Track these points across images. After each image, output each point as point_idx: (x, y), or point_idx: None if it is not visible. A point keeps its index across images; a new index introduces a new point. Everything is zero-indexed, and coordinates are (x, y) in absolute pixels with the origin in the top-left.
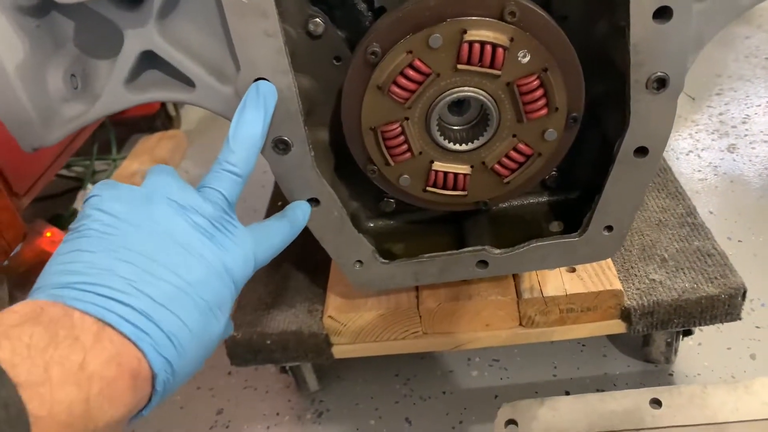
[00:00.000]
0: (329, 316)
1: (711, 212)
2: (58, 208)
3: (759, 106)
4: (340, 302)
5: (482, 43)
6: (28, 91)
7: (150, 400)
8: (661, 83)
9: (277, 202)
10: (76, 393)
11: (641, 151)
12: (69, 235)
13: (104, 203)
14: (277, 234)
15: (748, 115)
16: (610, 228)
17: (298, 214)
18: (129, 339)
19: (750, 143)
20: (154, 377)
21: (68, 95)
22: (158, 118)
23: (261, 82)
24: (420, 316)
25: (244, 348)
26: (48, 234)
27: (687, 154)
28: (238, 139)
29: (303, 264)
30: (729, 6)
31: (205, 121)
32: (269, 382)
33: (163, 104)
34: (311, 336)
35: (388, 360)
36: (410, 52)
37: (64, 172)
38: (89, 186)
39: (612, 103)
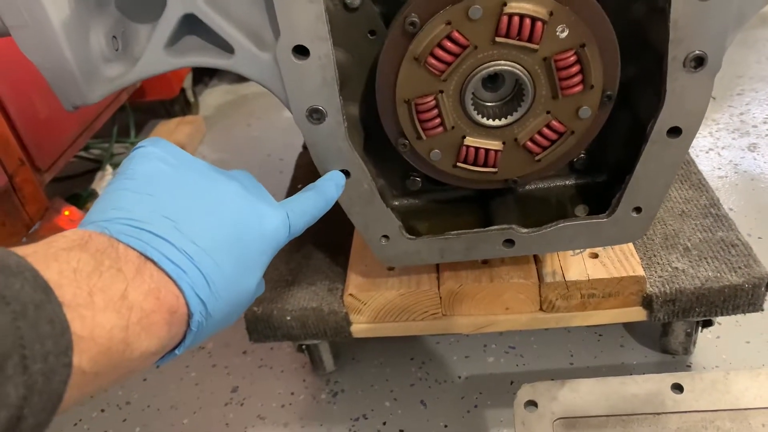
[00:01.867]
0: (350, 294)
1: (731, 209)
2: (77, 188)
3: None
4: (360, 281)
5: (521, 16)
6: (73, 48)
7: (183, 339)
8: (699, 62)
9: (297, 185)
10: (117, 319)
11: (675, 131)
12: (116, 177)
13: (153, 152)
14: (311, 204)
15: None
16: (638, 209)
17: (331, 185)
18: (169, 276)
19: None
20: (189, 316)
21: (110, 56)
22: (177, 104)
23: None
24: (440, 297)
25: (263, 323)
26: (66, 213)
27: (707, 152)
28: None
29: (323, 244)
30: None
31: (224, 107)
32: (284, 361)
33: (182, 90)
34: (331, 313)
35: (403, 343)
36: (449, 23)
37: (83, 153)
38: (108, 167)
39: (645, 83)
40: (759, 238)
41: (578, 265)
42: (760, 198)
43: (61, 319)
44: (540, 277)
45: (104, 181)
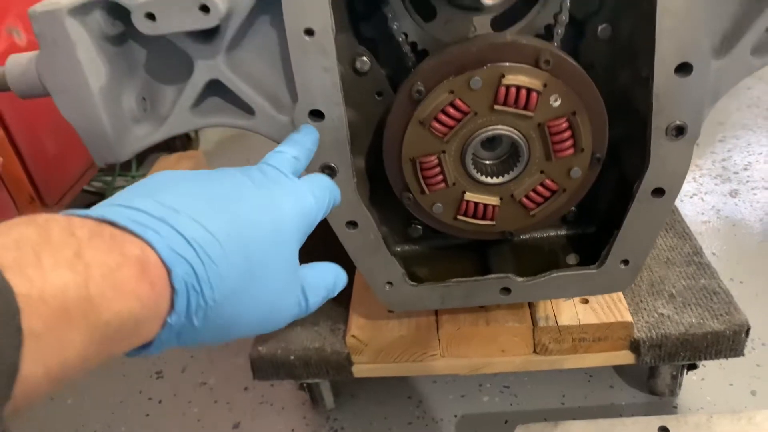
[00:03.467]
0: (352, 335)
1: (714, 254)
2: None
3: (760, 154)
4: (362, 322)
5: (518, 87)
6: (107, 110)
7: (173, 305)
8: (680, 131)
9: None
10: (72, 276)
11: (658, 192)
12: None
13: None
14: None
15: (749, 162)
16: (626, 261)
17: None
18: (132, 232)
19: (751, 189)
20: (169, 274)
21: (139, 116)
22: (178, 138)
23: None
24: (439, 340)
25: (268, 362)
26: None
27: (691, 197)
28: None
29: None
30: (743, 65)
31: (224, 142)
32: (285, 398)
33: None
34: (333, 354)
35: (401, 382)
36: (452, 91)
37: (85, 186)
38: None
39: (631, 145)
40: (740, 282)
41: (570, 310)
42: (741, 243)
43: (2, 283)
44: (534, 321)
45: None
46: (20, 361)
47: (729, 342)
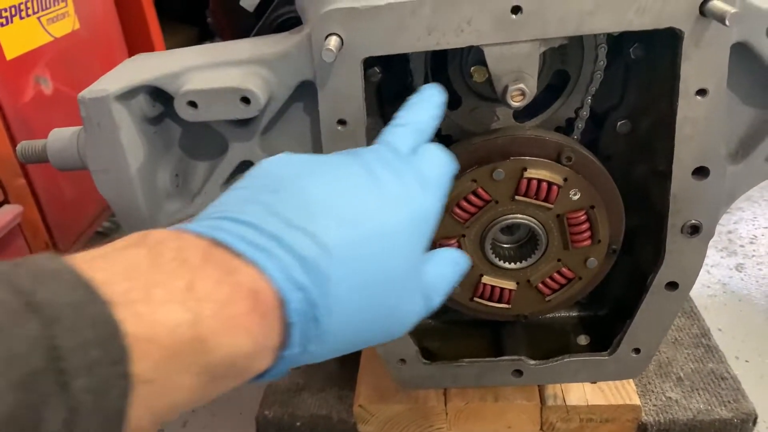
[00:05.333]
0: (359, 405)
1: (720, 329)
2: None
3: (766, 228)
4: (370, 392)
5: (539, 181)
6: (144, 189)
7: (287, 338)
8: (695, 230)
9: None
10: (183, 314)
11: (672, 285)
12: None
13: (263, 161)
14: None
15: (755, 236)
16: (638, 350)
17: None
18: (243, 255)
19: (757, 264)
20: (283, 304)
21: (171, 191)
22: None
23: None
24: (446, 414)
25: (274, 427)
26: None
27: None
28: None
29: None
30: (758, 170)
31: None
32: None
33: None
34: (340, 422)
35: None
36: (475, 180)
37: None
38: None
39: (646, 237)
40: (746, 361)
41: (578, 390)
42: (746, 320)
43: (108, 320)
44: (542, 399)
45: None
46: (127, 409)
47: (737, 430)
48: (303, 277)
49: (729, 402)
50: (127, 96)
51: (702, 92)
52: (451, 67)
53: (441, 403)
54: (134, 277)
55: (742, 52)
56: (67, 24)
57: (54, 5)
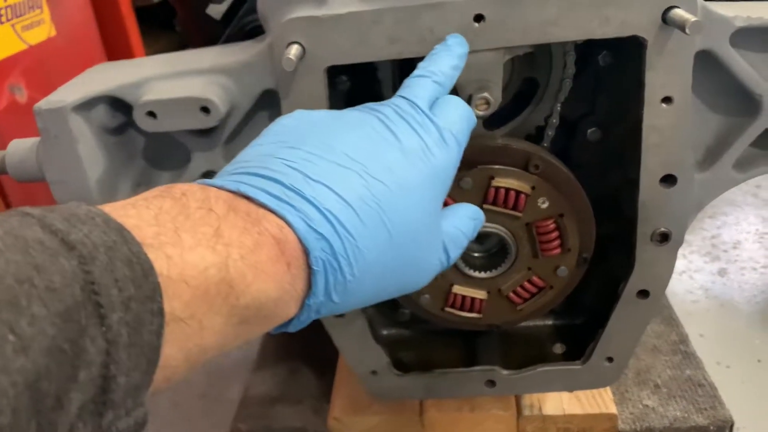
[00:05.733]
0: (334, 417)
1: (702, 335)
2: None
3: (749, 233)
4: (345, 404)
5: (507, 189)
6: (103, 200)
7: (312, 286)
8: (665, 237)
9: None
10: (212, 257)
11: (643, 293)
12: None
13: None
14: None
15: (738, 241)
16: (611, 359)
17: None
18: (268, 207)
19: (740, 269)
20: (307, 253)
21: None
22: None
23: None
24: (422, 425)
25: None
26: None
27: (680, 275)
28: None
29: (311, 358)
30: (726, 178)
31: None
32: None
33: None
34: None
35: None
36: None
37: None
38: None
39: (618, 245)
40: (727, 367)
41: (555, 399)
42: (728, 325)
43: (142, 260)
44: (518, 409)
45: None
46: (162, 345)
47: None
48: (325, 227)
49: (705, 409)
50: (85, 106)
51: (667, 100)
52: None
53: (416, 414)
54: (163, 223)
55: (706, 59)
56: (42, 31)
57: (29, 12)
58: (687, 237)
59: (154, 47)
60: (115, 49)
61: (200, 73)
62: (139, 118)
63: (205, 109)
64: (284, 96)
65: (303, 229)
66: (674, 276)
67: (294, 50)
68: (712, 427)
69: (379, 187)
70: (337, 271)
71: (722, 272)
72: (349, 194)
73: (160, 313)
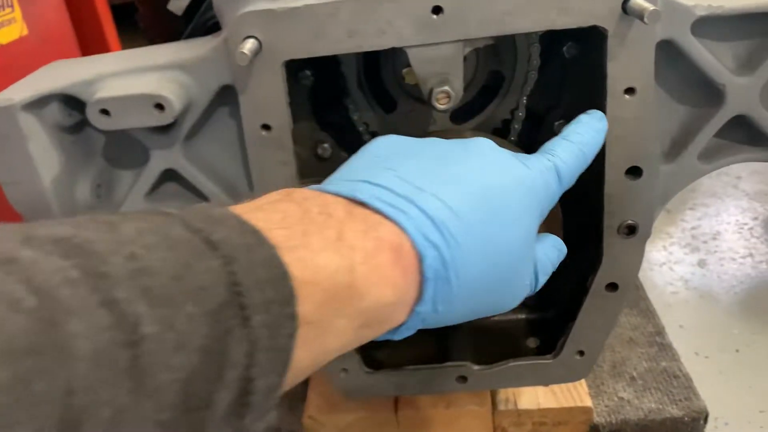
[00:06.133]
0: (309, 416)
1: (681, 326)
2: None
3: (729, 224)
4: (320, 402)
5: None
6: (59, 201)
7: (422, 293)
8: (631, 230)
9: None
10: (339, 260)
11: (612, 287)
12: None
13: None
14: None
15: (718, 232)
16: (582, 353)
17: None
18: (383, 214)
19: (719, 260)
20: (420, 260)
21: (92, 204)
22: None
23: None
24: (398, 422)
25: None
26: None
27: (660, 266)
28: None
29: None
30: (692, 169)
31: None
32: None
33: None
34: None
35: None
36: None
37: None
38: None
39: (588, 238)
40: (706, 357)
41: (530, 393)
42: (707, 316)
43: (278, 263)
44: (494, 404)
45: None
46: (293, 349)
47: (687, 429)
48: (436, 236)
49: (680, 400)
50: (36, 105)
51: (630, 91)
52: (384, 69)
53: (392, 412)
54: (290, 226)
55: (669, 49)
56: (14, 30)
57: None
58: (668, 229)
59: (133, 46)
60: (91, 49)
61: (155, 70)
62: (93, 116)
63: (160, 106)
64: (241, 91)
65: (418, 237)
66: (654, 267)
67: (249, 44)
68: (686, 418)
69: (487, 205)
70: (445, 280)
71: (702, 263)
72: (458, 206)
73: (294, 317)
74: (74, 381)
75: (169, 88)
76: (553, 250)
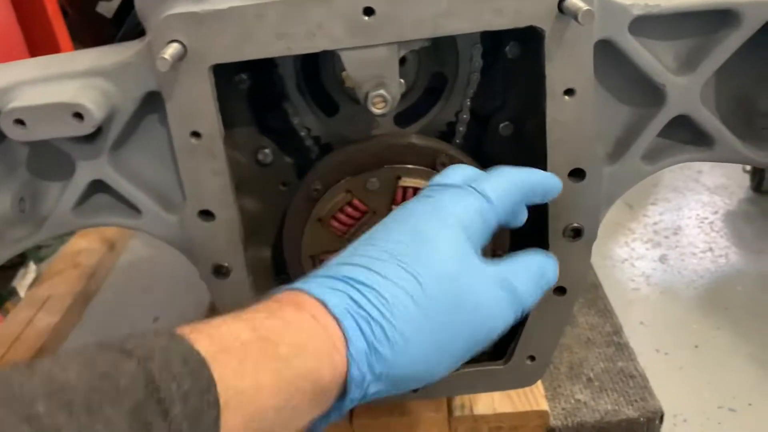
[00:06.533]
0: None
1: (642, 323)
2: None
3: (690, 218)
4: None
5: (415, 189)
6: None
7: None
8: (577, 233)
9: None
10: (240, 323)
11: (560, 290)
12: None
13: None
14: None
15: (679, 227)
16: (533, 358)
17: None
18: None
19: (680, 255)
20: (326, 306)
21: (14, 218)
22: None
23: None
24: (353, 430)
25: None
26: None
27: (622, 263)
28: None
29: None
30: (635, 170)
31: None
32: None
33: None
34: None
35: None
36: (349, 191)
37: None
38: (31, 264)
39: (533, 242)
40: (666, 354)
41: (487, 398)
42: (668, 312)
43: (195, 354)
44: (450, 410)
45: (27, 279)
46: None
47: (643, 429)
48: (337, 284)
49: (636, 401)
50: None
51: (570, 92)
52: (324, 71)
53: (346, 420)
54: (209, 328)
55: (608, 49)
56: None
57: None
58: (629, 224)
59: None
60: (40, 49)
61: (75, 77)
62: (7, 127)
63: (78, 116)
64: (168, 98)
65: (313, 290)
66: (617, 264)
67: (171, 49)
68: (642, 419)
69: (392, 244)
70: (369, 319)
71: (663, 259)
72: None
73: (216, 404)
74: None
75: (89, 96)
76: (532, 264)
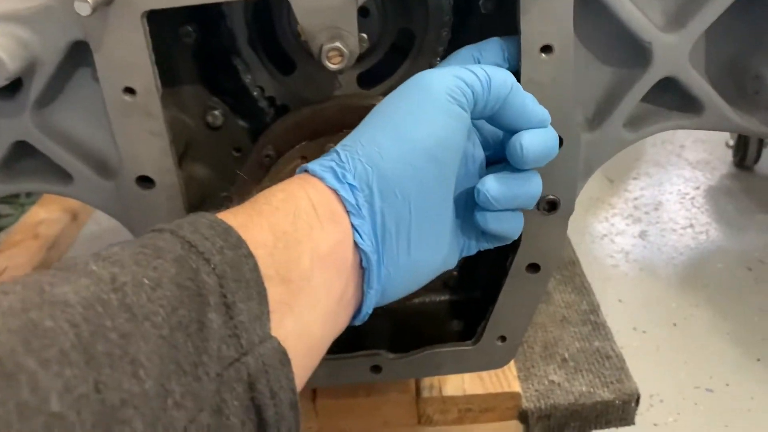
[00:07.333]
0: None
1: (620, 300)
2: None
3: (671, 193)
4: None
5: None
6: None
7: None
8: (552, 206)
9: None
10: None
11: (533, 267)
12: None
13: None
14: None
15: (660, 202)
16: (503, 338)
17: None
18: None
19: (660, 231)
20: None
21: None
22: None
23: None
24: (316, 412)
25: None
26: None
27: (602, 239)
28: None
29: None
30: (616, 137)
31: None
32: None
33: None
34: None
35: None
36: (305, 157)
37: None
38: None
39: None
40: (643, 332)
41: (456, 379)
42: (646, 289)
43: (221, 222)
44: (417, 391)
45: None
46: (263, 280)
47: (618, 412)
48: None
49: (612, 382)
50: None
51: (547, 49)
52: (278, 24)
53: (309, 401)
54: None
55: (592, 3)
56: None
57: None
58: (610, 199)
59: None
60: None
61: None
62: None
63: None
64: (96, 49)
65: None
66: (596, 240)
67: None
68: (617, 401)
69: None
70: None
71: (643, 235)
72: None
73: (251, 255)
74: (74, 318)
75: (2, 44)
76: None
